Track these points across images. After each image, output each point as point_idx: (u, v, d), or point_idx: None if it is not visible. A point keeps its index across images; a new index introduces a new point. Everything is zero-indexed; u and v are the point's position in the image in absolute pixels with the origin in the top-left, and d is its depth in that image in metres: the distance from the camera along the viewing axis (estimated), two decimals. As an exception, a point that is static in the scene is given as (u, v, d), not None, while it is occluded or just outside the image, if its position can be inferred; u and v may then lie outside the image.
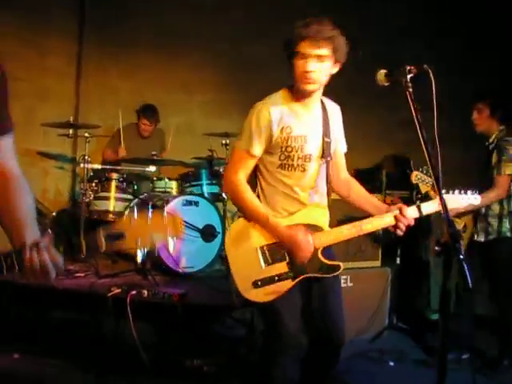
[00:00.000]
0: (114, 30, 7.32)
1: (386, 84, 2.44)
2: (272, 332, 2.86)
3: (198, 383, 3.92)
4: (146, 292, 4.22)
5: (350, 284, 4.99)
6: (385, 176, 5.72)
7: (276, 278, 2.75)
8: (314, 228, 2.82)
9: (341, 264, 2.88)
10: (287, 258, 2.77)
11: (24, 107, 6.57)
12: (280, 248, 2.77)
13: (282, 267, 2.77)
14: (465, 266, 1.91)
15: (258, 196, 2.88)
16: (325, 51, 2.65)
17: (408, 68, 2.31)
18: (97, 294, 4.43)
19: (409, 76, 2.29)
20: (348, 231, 2.86)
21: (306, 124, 2.85)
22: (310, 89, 2.76)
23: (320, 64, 2.67)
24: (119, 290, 4.27)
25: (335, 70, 2.78)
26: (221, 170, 5.95)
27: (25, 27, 6.69)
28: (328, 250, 2.89)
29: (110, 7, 7.33)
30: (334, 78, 2.80)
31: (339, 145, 3.05)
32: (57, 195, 6.87)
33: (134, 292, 4.19)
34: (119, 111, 6.42)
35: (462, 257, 1.92)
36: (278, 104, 2.83)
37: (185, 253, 5.25)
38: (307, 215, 2.85)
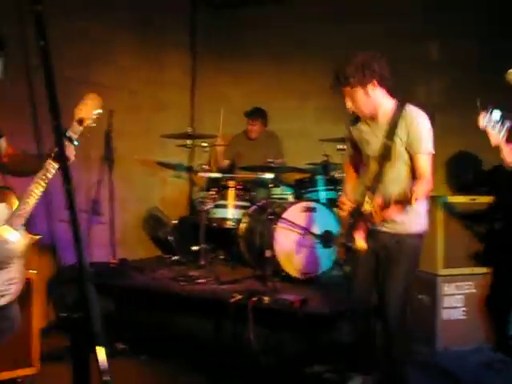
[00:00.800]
0: (226, 39, 7.50)
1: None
2: None
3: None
4: (266, 298, 4.25)
5: (474, 290, 4.81)
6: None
7: None
8: None
9: None
10: None
11: (143, 119, 6.86)
12: None
13: None
14: None
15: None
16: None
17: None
18: (219, 299, 4.53)
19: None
20: None
21: None
22: (363, 116, 3.41)
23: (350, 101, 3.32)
24: (241, 297, 4.34)
25: (372, 88, 3.23)
26: (336, 175, 5.92)
27: (141, 42, 6.96)
28: None
29: (221, 19, 7.52)
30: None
31: None
32: (175, 203, 7.08)
33: (255, 298, 4.24)
34: (219, 117, 6.52)
35: None
36: None
37: (303, 258, 5.24)
38: None
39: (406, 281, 3.35)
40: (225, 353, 4.35)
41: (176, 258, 5.87)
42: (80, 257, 1.32)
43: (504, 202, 4.62)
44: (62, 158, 1.35)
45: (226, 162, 6.64)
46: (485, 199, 4.84)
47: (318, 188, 5.83)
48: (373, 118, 3.38)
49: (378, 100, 3.29)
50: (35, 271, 4.13)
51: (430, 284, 4.51)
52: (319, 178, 5.88)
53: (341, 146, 5.93)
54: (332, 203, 5.71)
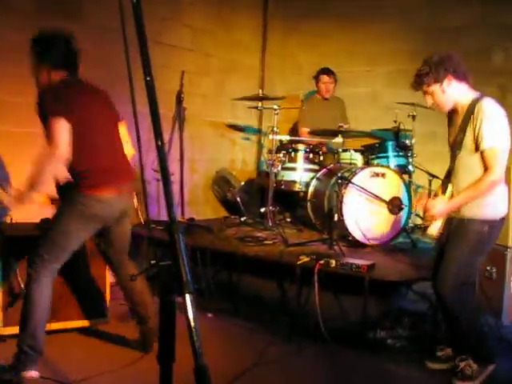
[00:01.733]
0: (297, 0, 7.42)
1: None
2: None
3: (381, 356, 3.90)
4: (334, 262, 4.26)
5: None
6: None
7: None
8: None
9: None
10: None
11: (215, 82, 6.91)
12: None
13: None
14: None
15: None
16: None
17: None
18: (286, 261, 4.57)
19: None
20: None
21: None
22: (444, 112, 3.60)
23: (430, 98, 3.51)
24: (308, 259, 4.37)
25: (448, 83, 3.39)
26: (407, 142, 5.84)
27: (213, 3, 6.97)
28: None
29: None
30: None
31: None
32: (243, 165, 7.15)
33: (322, 261, 4.25)
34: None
35: None
36: None
37: (370, 224, 5.23)
38: None
39: (460, 264, 3.43)
40: (290, 314, 4.41)
41: (243, 219, 5.94)
42: (170, 208, 1.36)
43: None
44: (154, 114, 1.38)
45: (305, 131, 6.59)
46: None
47: (388, 154, 5.76)
48: (456, 112, 3.51)
49: (455, 95, 3.45)
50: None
51: (499, 256, 4.43)
52: (389, 143, 5.80)
53: (412, 113, 5.85)
54: (402, 169, 5.66)
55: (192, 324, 1.31)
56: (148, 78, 1.41)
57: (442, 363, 3.72)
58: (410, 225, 5.55)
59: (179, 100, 5.87)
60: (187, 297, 1.33)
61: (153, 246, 5.17)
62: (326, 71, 6.62)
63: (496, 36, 6.21)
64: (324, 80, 6.62)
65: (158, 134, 1.42)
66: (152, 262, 1.30)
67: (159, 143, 1.41)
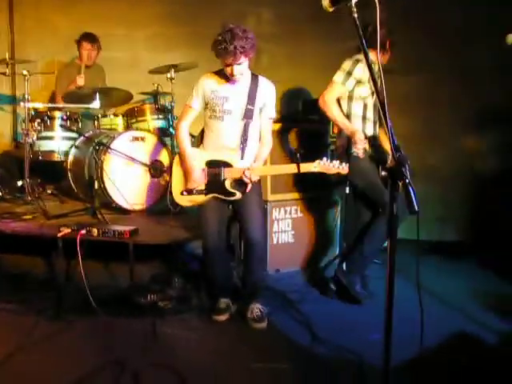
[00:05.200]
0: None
1: (331, 10, 2.36)
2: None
3: (154, 319, 3.91)
4: (96, 231, 4.16)
5: (300, 214, 5.07)
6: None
7: (194, 191, 3.81)
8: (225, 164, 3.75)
9: (237, 193, 3.73)
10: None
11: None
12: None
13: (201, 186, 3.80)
14: (411, 189, 1.92)
15: None
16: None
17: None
18: (46, 235, 4.37)
19: (354, 0, 2.22)
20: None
21: None
22: None
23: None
24: (69, 230, 4.21)
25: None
26: (166, 104, 5.83)
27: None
28: (239, 182, 3.72)
29: None
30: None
31: None
32: (-2, 137, 6.66)
33: (83, 231, 4.13)
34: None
35: (408, 180, 1.93)
36: None
37: (133, 189, 5.18)
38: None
39: None
40: (56, 289, 4.24)
41: (0, 194, 5.55)
42: None
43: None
44: None
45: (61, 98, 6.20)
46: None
47: (147, 117, 5.72)
48: None
49: None
50: None
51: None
52: (149, 107, 5.76)
53: (170, 75, 5.83)
54: (163, 132, 5.67)
55: None
56: None
57: (224, 313, 3.95)
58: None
59: None
60: None
61: None
62: (89, 37, 6.28)
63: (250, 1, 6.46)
64: (86, 47, 6.28)
65: None
66: None
67: None
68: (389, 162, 3.93)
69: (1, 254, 4.58)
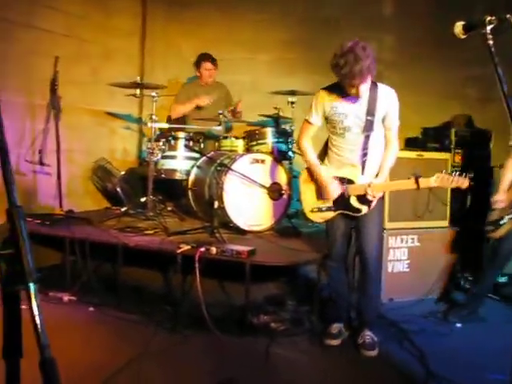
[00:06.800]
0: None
1: (463, 37, 2.31)
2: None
3: (265, 340, 3.91)
4: (214, 249, 4.23)
5: (417, 244, 4.94)
6: (454, 135, 5.56)
7: (323, 208, 3.81)
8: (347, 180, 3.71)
9: (363, 208, 3.66)
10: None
11: (91, 69, 6.68)
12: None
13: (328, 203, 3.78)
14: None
15: None
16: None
17: (488, 19, 2.17)
18: (166, 251, 4.49)
19: (489, 27, 2.16)
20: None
21: None
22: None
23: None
24: (188, 247, 4.32)
25: None
26: (287, 128, 5.90)
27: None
28: (362, 198, 3.64)
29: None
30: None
31: None
32: (124, 155, 6.98)
33: (202, 249, 4.21)
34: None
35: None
36: None
37: (251, 210, 5.25)
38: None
39: None
40: (173, 304, 4.35)
41: (124, 209, 5.79)
42: (9, 193, 1.27)
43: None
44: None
45: (176, 107, 6.47)
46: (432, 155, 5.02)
47: (268, 140, 5.80)
48: None
49: None
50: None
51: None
52: (270, 130, 5.84)
53: (291, 99, 5.92)
54: (282, 155, 5.72)
55: (36, 314, 1.23)
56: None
57: (337, 339, 3.90)
58: (292, 210, 5.62)
59: (53, 88, 5.64)
60: (31, 286, 1.24)
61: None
62: (208, 58, 6.57)
63: (370, 26, 6.41)
64: (206, 67, 6.56)
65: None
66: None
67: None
68: None
69: (124, 267, 4.76)
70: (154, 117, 5.60)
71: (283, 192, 5.27)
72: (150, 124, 5.61)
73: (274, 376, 3.45)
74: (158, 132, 5.77)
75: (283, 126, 5.97)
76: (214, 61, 6.60)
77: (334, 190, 3.71)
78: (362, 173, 3.67)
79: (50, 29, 5.99)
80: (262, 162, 5.31)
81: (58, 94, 5.68)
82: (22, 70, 5.45)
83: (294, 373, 3.49)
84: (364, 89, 3.45)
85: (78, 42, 6.48)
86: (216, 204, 4.95)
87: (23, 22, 5.57)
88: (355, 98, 3.54)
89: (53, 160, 5.66)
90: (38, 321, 1.22)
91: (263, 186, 5.24)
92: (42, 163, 5.41)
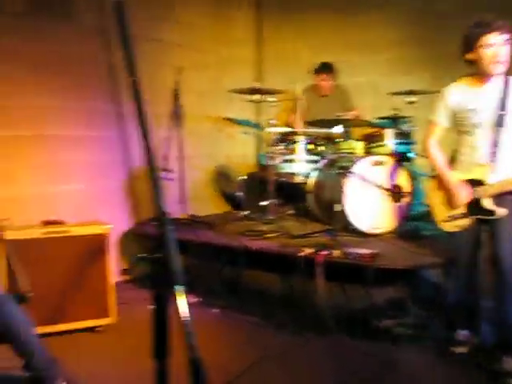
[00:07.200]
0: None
1: None
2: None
3: (388, 344, 3.86)
4: (337, 252, 4.23)
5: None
6: None
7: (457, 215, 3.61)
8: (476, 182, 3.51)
9: (498, 210, 3.41)
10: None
11: (210, 77, 6.89)
12: None
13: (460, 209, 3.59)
14: None
15: None
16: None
17: None
18: (288, 254, 4.53)
19: None
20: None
21: None
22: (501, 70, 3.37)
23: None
24: (311, 251, 4.33)
25: None
26: (406, 128, 5.79)
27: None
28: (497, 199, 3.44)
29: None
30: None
31: None
32: (243, 159, 7.09)
33: (325, 252, 4.22)
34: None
35: None
36: None
37: (372, 213, 5.19)
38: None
39: None
40: (295, 307, 4.38)
41: (245, 213, 5.90)
42: (158, 199, 1.33)
43: None
44: (140, 114, 1.35)
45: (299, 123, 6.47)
46: None
47: (387, 142, 5.71)
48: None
49: None
50: (110, 226, 4.29)
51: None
52: (389, 131, 5.75)
53: (410, 99, 5.80)
54: (402, 157, 5.62)
55: (184, 316, 1.28)
56: (134, 78, 1.37)
57: (463, 346, 3.72)
58: (413, 212, 5.50)
59: (176, 97, 5.85)
60: (179, 288, 1.30)
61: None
62: (324, 69, 6.54)
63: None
64: (321, 77, 6.56)
65: (145, 134, 1.38)
66: (142, 255, 1.26)
67: (147, 142, 1.38)
68: None
69: (246, 270, 4.85)
70: (272, 121, 5.67)
71: (404, 194, 5.16)
72: (268, 129, 5.68)
73: (397, 382, 3.39)
74: (276, 136, 5.84)
75: (402, 127, 5.85)
76: (330, 71, 6.54)
77: (464, 195, 3.54)
78: (494, 172, 3.44)
79: (171, 40, 6.25)
80: (382, 164, 5.23)
81: (180, 102, 5.87)
82: (147, 80, 5.67)
83: (417, 379, 3.42)
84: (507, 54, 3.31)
85: (197, 52, 6.69)
86: (337, 207, 4.94)
87: (147, 35, 5.82)
88: (485, 92, 3.42)
89: (176, 166, 5.85)
90: (186, 321, 1.27)
91: (384, 188, 5.16)
92: (166, 169, 5.59)
